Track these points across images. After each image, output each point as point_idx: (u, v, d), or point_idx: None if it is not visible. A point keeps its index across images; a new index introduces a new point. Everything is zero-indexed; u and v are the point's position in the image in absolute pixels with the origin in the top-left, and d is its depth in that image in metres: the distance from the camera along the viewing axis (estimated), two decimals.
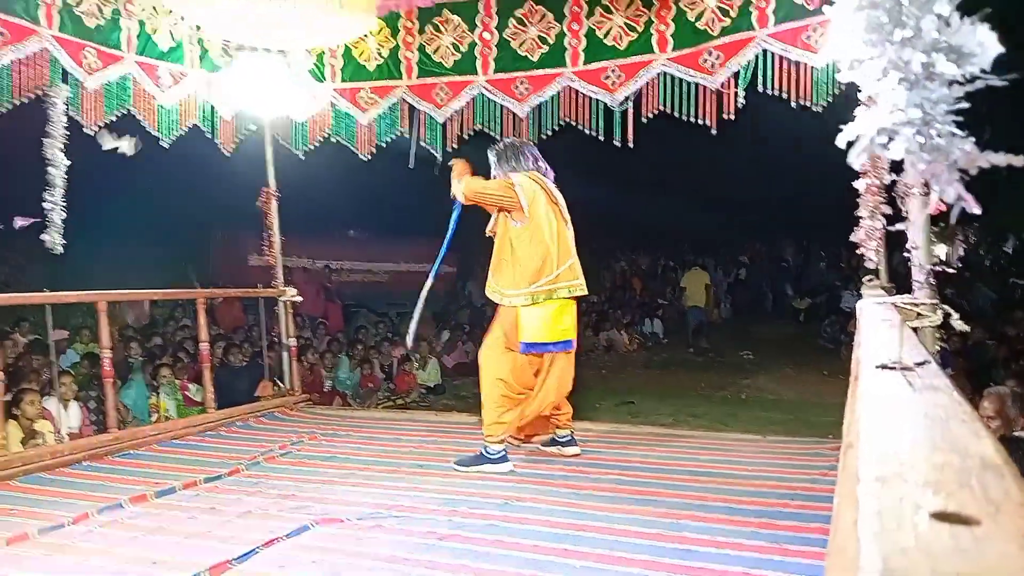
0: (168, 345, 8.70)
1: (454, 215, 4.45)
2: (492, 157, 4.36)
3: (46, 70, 4.75)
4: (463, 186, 4.21)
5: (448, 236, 4.58)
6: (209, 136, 6.05)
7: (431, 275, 4.66)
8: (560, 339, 4.17)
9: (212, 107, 5.94)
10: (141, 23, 5.32)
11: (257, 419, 5.56)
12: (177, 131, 5.76)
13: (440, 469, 4.11)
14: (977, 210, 0.78)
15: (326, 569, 2.67)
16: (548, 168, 4.36)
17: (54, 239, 4.79)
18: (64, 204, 4.81)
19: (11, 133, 5.20)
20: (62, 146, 4.82)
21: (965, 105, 0.80)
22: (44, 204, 4.78)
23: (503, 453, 4.09)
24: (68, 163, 4.84)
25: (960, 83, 0.79)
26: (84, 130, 5.13)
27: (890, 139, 0.80)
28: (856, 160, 0.87)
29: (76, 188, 4.94)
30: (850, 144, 0.86)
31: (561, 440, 4.38)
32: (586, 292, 4.29)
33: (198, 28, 5.55)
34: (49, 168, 4.81)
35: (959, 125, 0.80)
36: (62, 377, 5.65)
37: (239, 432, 5.21)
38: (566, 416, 4.38)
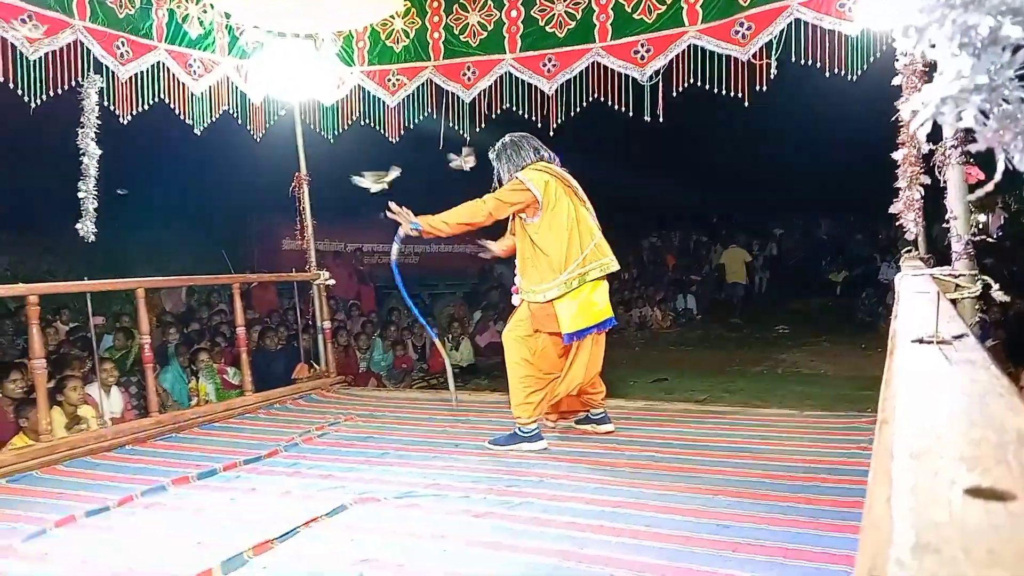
0: (205, 330, 8.83)
1: (395, 270, 4.47)
2: (493, 159, 4.30)
3: (79, 61, 4.82)
4: (483, 213, 4.05)
5: (405, 296, 4.78)
6: (240, 122, 6.11)
7: (435, 337, 5.27)
8: (599, 320, 4.14)
9: (242, 93, 5.99)
10: (171, 12, 5.37)
11: (294, 401, 5.65)
12: (209, 118, 5.82)
13: (475, 448, 4.14)
14: None
15: (365, 547, 2.71)
16: (553, 154, 4.28)
17: (87, 228, 4.88)
18: (96, 193, 4.89)
19: (45, 123, 5.29)
20: (95, 136, 4.90)
21: None
22: (78, 193, 4.87)
23: (537, 431, 4.10)
24: (100, 152, 4.92)
25: None
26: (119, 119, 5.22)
27: (956, 107, 0.78)
28: (921, 131, 0.85)
29: (112, 178, 5.03)
30: (914, 114, 0.83)
31: (595, 417, 4.38)
32: (618, 267, 4.25)
33: (227, 15, 5.59)
34: (82, 158, 4.89)
35: None
36: (103, 363, 5.78)
37: (277, 414, 5.30)
38: (600, 394, 4.38)
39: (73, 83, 4.81)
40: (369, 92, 6.09)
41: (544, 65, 5.47)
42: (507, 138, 4.32)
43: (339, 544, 2.76)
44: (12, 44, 4.42)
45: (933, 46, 0.81)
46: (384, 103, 6.07)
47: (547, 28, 5.43)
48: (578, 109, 5.41)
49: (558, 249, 4.05)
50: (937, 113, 0.77)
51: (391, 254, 4.45)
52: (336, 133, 6.29)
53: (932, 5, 0.79)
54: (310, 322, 6.78)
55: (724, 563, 2.46)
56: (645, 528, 2.79)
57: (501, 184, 4.24)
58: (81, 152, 4.89)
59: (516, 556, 2.59)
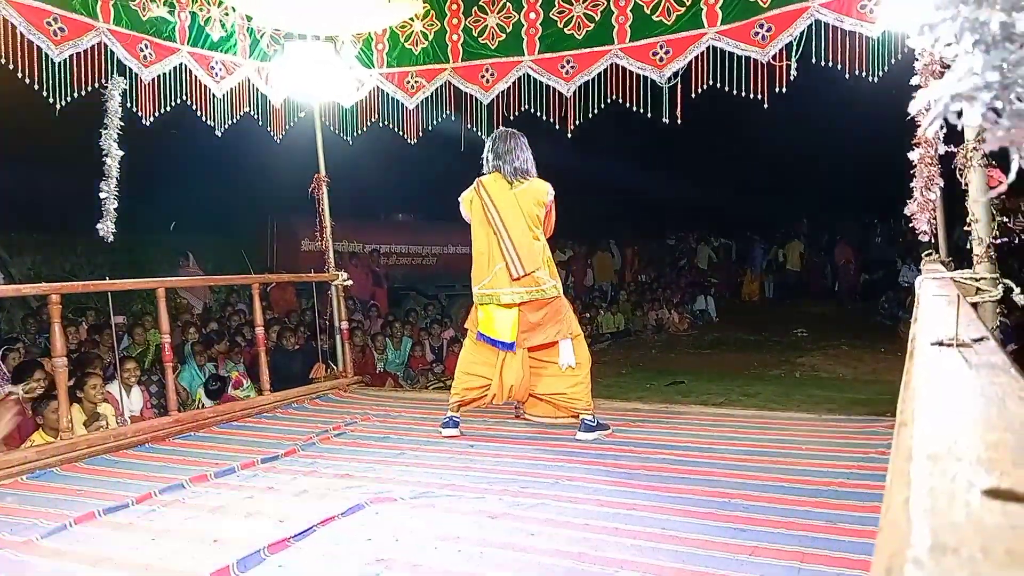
0: (224, 330, 8.89)
1: None
2: None
3: (103, 63, 4.87)
4: None
5: None
6: (261, 124, 6.15)
7: None
8: (497, 338, 4.39)
9: (263, 95, 6.03)
10: (193, 15, 5.42)
11: (312, 401, 5.67)
12: (230, 120, 5.86)
13: (490, 449, 4.15)
14: None
15: (381, 546, 2.72)
16: (503, 162, 4.37)
17: (107, 228, 4.93)
18: (117, 194, 4.94)
19: (68, 124, 5.35)
20: (117, 137, 4.95)
21: None
22: (100, 194, 4.92)
23: (449, 419, 4.50)
24: (122, 153, 4.97)
25: None
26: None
27: (966, 105, 0.76)
28: (930, 129, 0.83)
29: (134, 179, 5.08)
30: (922, 113, 0.82)
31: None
32: (512, 300, 4.33)
33: (248, 18, 5.63)
34: (105, 159, 4.95)
35: None
36: (124, 362, 5.83)
37: (294, 414, 5.32)
38: (564, 399, 4.47)
39: (97, 85, 4.86)
40: (388, 94, 6.12)
41: (562, 67, 5.47)
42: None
43: (355, 543, 2.77)
44: (38, 46, 4.48)
45: (948, 45, 0.80)
46: (403, 105, 6.09)
47: (565, 30, 5.43)
48: (596, 111, 5.40)
49: (474, 264, 4.45)
50: (947, 112, 0.76)
51: None
52: (355, 134, 6.32)
53: (946, 2, 0.78)
54: (328, 322, 6.82)
55: (740, 567, 2.44)
56: (661, 531, 2.79)
57: None
58: (103, 153, 4.94)
59: (531, 557, 2.59)
